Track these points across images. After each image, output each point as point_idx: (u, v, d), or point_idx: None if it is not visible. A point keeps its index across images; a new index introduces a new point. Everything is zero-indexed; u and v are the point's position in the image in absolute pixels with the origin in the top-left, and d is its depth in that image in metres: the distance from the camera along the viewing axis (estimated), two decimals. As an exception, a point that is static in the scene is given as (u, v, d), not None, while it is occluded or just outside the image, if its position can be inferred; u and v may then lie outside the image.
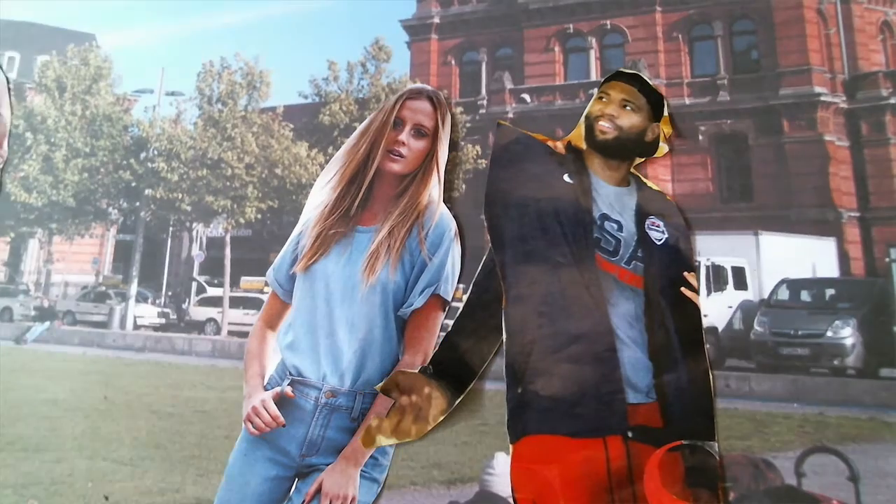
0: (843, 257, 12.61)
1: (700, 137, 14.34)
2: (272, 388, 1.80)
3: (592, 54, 14.87)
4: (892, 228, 12.87)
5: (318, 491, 1.71)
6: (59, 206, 13.53)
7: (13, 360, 8.46)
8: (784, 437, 5.24)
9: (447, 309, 1.82)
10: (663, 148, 1.91)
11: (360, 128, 1.84)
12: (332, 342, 1.76)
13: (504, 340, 1.77)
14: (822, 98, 13.63)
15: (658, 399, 1.71)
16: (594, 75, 14.45)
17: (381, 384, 1.77)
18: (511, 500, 2.45)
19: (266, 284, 1.96)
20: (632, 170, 1.90)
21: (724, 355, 9.69)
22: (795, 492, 2.62)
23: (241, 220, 11.07)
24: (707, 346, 1.83)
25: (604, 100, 1.87)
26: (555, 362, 1.70)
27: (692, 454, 1.67)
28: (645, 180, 1.91)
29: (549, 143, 1.89)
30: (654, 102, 1.89)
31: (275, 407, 1.75)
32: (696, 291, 1.81)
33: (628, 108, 1.85)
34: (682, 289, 1.78)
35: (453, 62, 16.65)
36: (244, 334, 10.63)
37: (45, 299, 13.74)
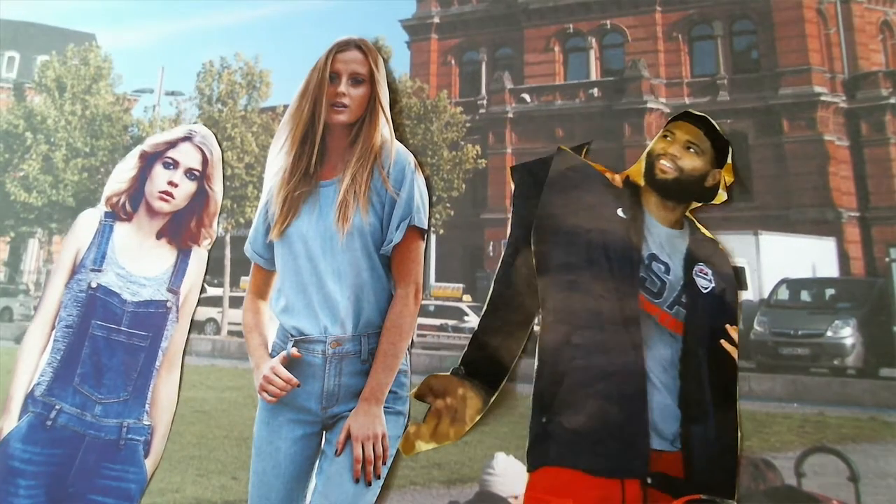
0: (843, 257, 12.60)
1: (700, 137, 14.31)
2: (277, 354, 1.82)
3: (592, 54, 14.86)
4: (892, 228, 12.87)
5: (349, 437, 1.73)
6: (59, 206, 13.52)
7: (13, 360, 8.45)
8: (784, 437, 5.24)
9: (426, 237, 1.85)
10: (722, 195, 1.88)
11: (298, 91, 1.86)
12: (325, 295, 1.78)
13: (535, 367, 1.75)
14: (822, 98, 13.62)
15: (682, 449, 1.68)
16: (594, 75, 14.46)
17: (414, 390, 1.79)
18: (511, 501, 2.44)
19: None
20: (687, 213, 1.87)
21: (724, 355, 9.65)
22: (795, 492, 2.62)
23: (241, 220, 11.07)
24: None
25: (668, 139, 1.84)
26: (583, 397, 1.67)
27: None
28: (699, 226, 1.87)
29: (608, 175, 1.86)
30: (718, 147, 1.87)
31: (285, 370, 1.77)
32: (736, 345, 1.77)
33: (692, 150, 1.83)
34: (722, 341, 1.76)
35: (453, 62, 16.63)
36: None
37: (45, 299, 13.66)
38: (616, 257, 1.73)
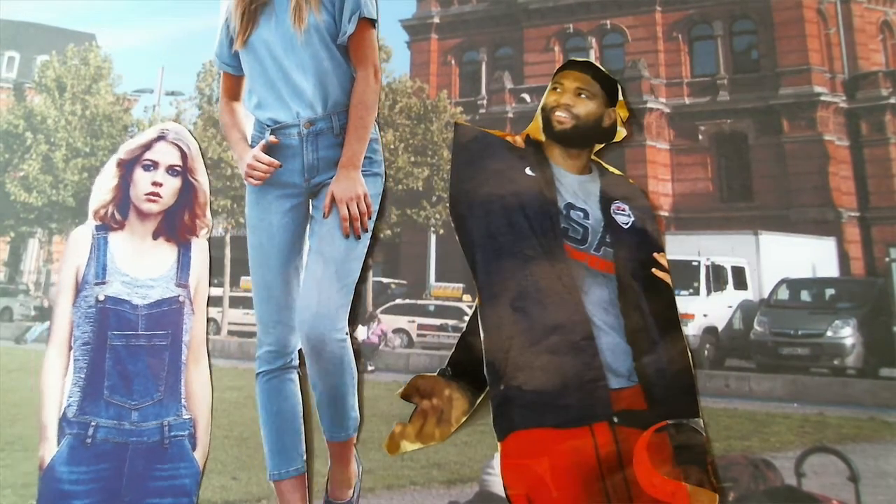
0: (843, 257, 12.61)
1: (700, 137, 14.33)
2: (256, 144, 2.02)
3: (592, 54, 14.87)
4: (892, 228, 12.88)
5: (334, 201, 1.91)
6: (59, 206, 13.52)
7: (13, 360, 8.47)
8: (784, 437, 5.25)
9: (376, 26, 2.07)
10: (622, 132, 1.93)
11: None
12: (292, 86, 1.99)
13: (482, 339, 1.77)
14: (822, 98, 13.63)
15: (640, 381, 1.72)
16: (594, 75, 14.42)
17: (401, 390, 1.81)
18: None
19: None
20: (592, 156, 1.92)
21: (724, 355, 9.68)
22: (795, 492, 2.62)
23: (241, 220, 11.08)
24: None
25: (558, 90, 1.89)
26: (534, 355, 1.70)
27: (678, 433, 1.68)
28: (606, 166, 1.93)
29: (509, 139, 1.91)
30: (608, 88, 1.91)
31: (266, 156, 1.97)
32: (667, 271, 1.81)
33: (583, 95, 1.87)
34: (654, 270, 1.79)
35: (453, 62, 16.64)
36: (244, 334, 10.65)
37: (45, 299, 13.74)
38: (534, 215, 1.77)
